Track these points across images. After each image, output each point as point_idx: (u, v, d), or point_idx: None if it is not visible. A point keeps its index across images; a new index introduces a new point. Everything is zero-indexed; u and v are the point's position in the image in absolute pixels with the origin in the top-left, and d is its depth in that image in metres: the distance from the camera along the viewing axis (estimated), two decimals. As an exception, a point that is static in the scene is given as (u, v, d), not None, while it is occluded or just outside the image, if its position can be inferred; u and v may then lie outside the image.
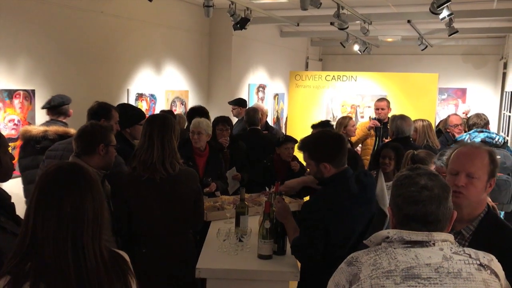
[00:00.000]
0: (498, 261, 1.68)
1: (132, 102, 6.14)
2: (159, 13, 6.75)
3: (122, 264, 1.51)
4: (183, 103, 7.40)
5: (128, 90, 6.18)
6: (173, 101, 7.18)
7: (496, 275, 1.43)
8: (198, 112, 5.45)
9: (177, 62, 7.34)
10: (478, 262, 1.41)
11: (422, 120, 5.00)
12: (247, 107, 6.20)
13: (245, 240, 2.98)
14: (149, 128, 2.87)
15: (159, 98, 6.82)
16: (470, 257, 1.43)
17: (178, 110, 7.18)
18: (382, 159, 4.03)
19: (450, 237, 1.49)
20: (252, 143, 5.17)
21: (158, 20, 6.79)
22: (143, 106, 6.44)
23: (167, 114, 3.44)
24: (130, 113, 3.84)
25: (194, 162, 4.10)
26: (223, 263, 2.77)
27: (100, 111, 3.48)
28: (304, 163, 2.99)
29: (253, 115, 5.53)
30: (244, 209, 3.25)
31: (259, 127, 5.62)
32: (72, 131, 3.69)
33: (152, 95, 6.67)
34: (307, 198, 3.83)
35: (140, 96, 6.40)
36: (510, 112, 8.29)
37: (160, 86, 6.88)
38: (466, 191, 1.90)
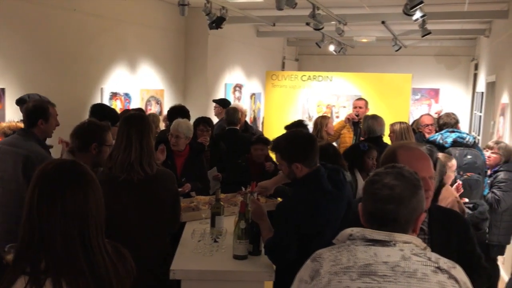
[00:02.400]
0: (456, 238, 1.94)
1: (106, 101, 6.05)
2: (133, 11, 6.67)
3: (127, 258, 1.55)
4: (158, 102, 7.33)
5: (102, 89, 6.09)
6: (148, 100, 7.11)
7: (456, 281, 1.43)
8: (178, 111, 5.43)
9: (153, 61, 7.27)
10: (436, 265, 1.42)
11: (401, 123, 5.07)
12: (227, 108, 6.18)
13: (220, 240, 2.97)
14: (127, 127, 2.81)
15: (134, 97, 6.74)
16: (429, 259, 1.43)
17: (153, 109, 7.11)
18: (371, 160, 4.03)
19: (415, 239, 1.48)
20: (230, 142, 5.16)
21: (132, 19, 6.71)
22: (117, 105, 6.35)
23: (143, 113, 3.42)
24: (108, 114, 3.80)
25: (173, 162, 4.06)
26: (197, 264, 2.76)
27: (35, 113, 3.32)
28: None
29: (232, 115, 5.51)
30: (220, 209, 3.23)
31: (238, 127, 5.60)
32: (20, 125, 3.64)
33: (126, 94, 6.58)
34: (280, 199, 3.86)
35: (114, 95, 6.31)
36: (481, 112, 8.50)
37: (135, 85, 6.81)
38: (431, 193, 1.94)
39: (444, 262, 1.44)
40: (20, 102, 4.14)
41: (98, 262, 1.43)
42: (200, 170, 4.26)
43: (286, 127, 4.76)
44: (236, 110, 5.63)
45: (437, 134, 4.79)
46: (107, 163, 2.82)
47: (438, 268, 1.41)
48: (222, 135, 5.39)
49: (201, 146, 4.65)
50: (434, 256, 1.45)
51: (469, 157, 4.31)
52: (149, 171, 2.75)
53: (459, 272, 1.46)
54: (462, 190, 3.81)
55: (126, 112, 5.47)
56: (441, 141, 4.57)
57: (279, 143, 2.71)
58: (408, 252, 1.43)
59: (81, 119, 4.72)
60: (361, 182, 3.80)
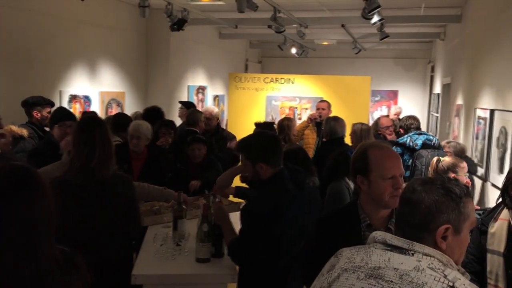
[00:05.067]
0: None
1: (65, 104, 5.90)
2: (92, 12, 6.54)
3: (80, 265, 1.50)
4: (119, 105, 7.21)
5: (60, 91, 5.94)
6: (109, 103, 6.98)
7: None
8: (154, 113, 5.39)
9: (113, 63, 7.15)
10: (450, 284, 1.31)
11: (361, 124, 5.17)
12: (190, 109, 6.14)
13: (183, 244, 2.96)
14: (86, 131, 2.73)
15: (94, 100, 6.61)
16: (445, 277, 1.33)
17: (114, 112, 6.98)
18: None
19: (441, 256, 1.38)
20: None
21: (91, 20, 6.58)
22: (77, 108, 6.21)
23: (95, 115, 3.41)
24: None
25: (130, 166, 4.00)
26: (159, 268, 2.73)
27: None
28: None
29: (192, 116, 5.46)
30: (182, 212, 3.22)
31: (198, 129, 5.53)
32: None
33: (86, 97, 6.44)
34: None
35: (73, 98, 6.17)
36: (437, 113, 8.78)
37: (94, 87, 6.67)
38: (400, 191, 1.93)
39: (463, 284, 1.32)
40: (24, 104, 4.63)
41: (46, 270, 1.39)
42: (158, 174, 4.19)
43: (256, 124, 4.78)
44: (196, 112, 5.58)
45: (405, 136, 4.91)
46: (63, 167, 2.74)
47: (452, 287, 1.31)
48: (182, 136, 5.31)
49: (160, 149, 4.60)
50: (454, 275, 1.34)
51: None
52: (105, 175, 2.69)
53: None
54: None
55: (85, 114, 5.41)
56: (411, 143, 4.71)
57: (244, 144, 2.74)
58: (425, 264, 1.35)
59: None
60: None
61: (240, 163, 2.92)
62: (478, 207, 3.55)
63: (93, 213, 2.69)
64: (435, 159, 3.66)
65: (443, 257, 1.39)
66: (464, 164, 3.65)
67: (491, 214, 2.59)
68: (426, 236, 1.41)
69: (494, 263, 2.47)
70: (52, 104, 4.94)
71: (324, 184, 4.12)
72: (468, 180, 3.77)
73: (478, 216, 3.18)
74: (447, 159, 3.58)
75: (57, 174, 2.76)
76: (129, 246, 2.96)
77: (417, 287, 1.31)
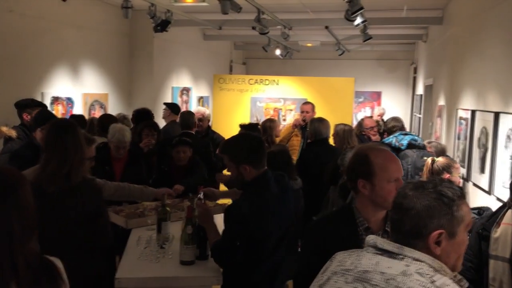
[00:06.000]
0: None
1: (47, 106, 5.82)
2: (75, 13, 6.47)
3: (52, 271, 1.46)
4: (102, 106, 7.14)
5: (42, 93, 5.86)
6: (92, 105, 6.91)
7: None
8: (144, 114, 5.37)
9: (96, 64, 7.08)
10: None
11: (344, 125, 5.20)
12: (183, 111, 6.13)
13: (167, 246, 2.94)
14: (59, 136, 2.63)
15: (77, 102, 6.53)
16: (432, 282, 1.30)
17: (98, 114, 6.92)
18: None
19: (432, 261, 1.36)
20: None
21: (74, 21, 6.51)
22: (59, 110, 6.14)
23: (69, 119, 3.38)
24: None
25: (111, 167, 3.97)
26: (143, 271, 2.71)
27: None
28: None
29: (187, 118, 5.41)
30: (166, 215, 3.20)
31: (193, 131, 5.48)
32: None
33: (69, 99, 6.37)
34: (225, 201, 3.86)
35: (56, 99, 6.09)
36: (420, 114, 8.88)
37: (77, 89, 6.60)
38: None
39: None
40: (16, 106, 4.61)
41: (18, 273, 1.36)
42: (140, 175, 4.16)
43: (241, 126, 4.78)
44: (191, 113, 5.56)
45: (391, 137, 4.96)
46: (33, 174, 2.59)
47: None
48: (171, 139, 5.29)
49: (141, 150, 4.57)
50: (442, 281, 1.31)
51: (425, 158, 4.50)
52: (74, 182, 2.56)
53: None
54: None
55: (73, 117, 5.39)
56: (397, 144, 4.75)
57: (227, 146, 2.74)
58: (413, 269, 1.33)
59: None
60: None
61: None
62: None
63: (57, 221, 2.52)
64: (430, 160, 3.66)
65: (435, 263, 1.36)
66: (458, 165, 3.68)
67: (492, 219, 2.49)
68: (419, 243, 1.39)
69: (498, 270, 2.37)
70: (43, 106, 4.87)
71: (321, 187, 4.15)
72: (459, 180, 3.80)
73: (477, 217, 3.14)
74: (441, 160, 3.60)
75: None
76: (95, 257, 2.70)
77: None
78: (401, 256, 1.37)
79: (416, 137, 4.85)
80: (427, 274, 1.32)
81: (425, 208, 1.39)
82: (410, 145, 4.72)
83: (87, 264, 2.57)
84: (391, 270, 1.34)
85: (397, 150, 4.71)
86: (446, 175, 3.43)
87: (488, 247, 2.42)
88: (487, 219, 2.54)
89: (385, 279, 1.33)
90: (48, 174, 2.54)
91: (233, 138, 2.87)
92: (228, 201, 3.71)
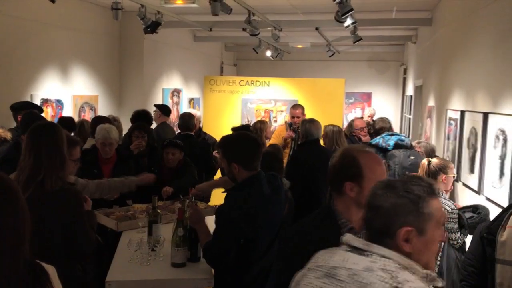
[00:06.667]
0: None
1: (42, 109, 5.77)
2: (64, 14, 6.43)
3: (41, 276, 1.45)
4: (92, 108, 7.10)
5: (31, 95, 5.81)
6: (82, 107, 6.87)
7: None
8: (143, 116, 5.35)
9: (85, 66, 7.03)
10: (395, 285, 1.30)
11: (333, 126, 5.21)
12: (183, 112, 6.16)
13: (158, 249, 2.93)
14: (36, 139, 2.50)
15: (66, 104, 6.49)
16: (393, 277, 1.32)
17: (87, 116, 6.87)
18: None
19: (399, 258, 1.37)
20: (185, 149, 5.06)
21: (63, 22, 6.46)
22: (49, 112, 6.09)
23: (51, 123, 3.34)
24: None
25: (100, 170, 3.94)
26: (134, 274, 2.71)
27: None
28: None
29: (187, 120, 5.43)
30: (157, 217, 3.19)
31: (193, 133, 5.52)
32: None
33: (58, 101, 6.32)
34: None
35: (45, 102, 6.04)
36: (410, 114, 8.94)
37: (67, 91, 6.55)
38: None
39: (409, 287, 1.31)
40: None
41: (4, 278, 1.36)
42: (128, 176, 4.11)
43: (233, 129, 4.78)
44: (191, 116, 5.58)
45: (378, 137, 4.97)
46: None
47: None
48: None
49: (130, 152, 4.54)
50: (404, 278, 1.32)
51: (412, 157, 4.52)
52: (49, 189, 2.42)
53: None
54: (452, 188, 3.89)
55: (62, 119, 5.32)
56: (383, 144, 4.77)
57: (223, 141, 2.76)
58: (378, 265, 1.35)
59: (10, 127, 4.53)
60: None
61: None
62: (460, 205, 3.55)
63: (33, 231, 2.42)
64: (425, 161, 3.65)
65: (403, 260, 1.37)
66: (452, 165, 3.72)
67: (497, 222, 2.37)
68: (388, 240, 1.41)
69: (506, 275, 2.25)
70: (38, 109, 4.81)
71: (311, 188, 4.15)
72: (452, 179, 3.81)
73: (474, 215, 3.00)
74: (437, 161, 3.62)
75: None
76: (75, 264, 2.57)
77: (362, 287, 1.32)
78: (368, 253, 1.40)
79: (402, 137, 4.87)
80: (390, 271, 1.34)
81: (392, 206, 1.41)
82: (397, 145, 4.73)
83: (67, 270, 2.37)
84: (357, 266, 1.37)
85: (384, 150, 4.73)
86: (443, 176, 3.45)
87: (494, 252, 2.32)
88: (492, 223, 2.44)
89: (349, 275, 1.36)
90: (22, 181, 2.42)
91: (232, 135, 2.92)
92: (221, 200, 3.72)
